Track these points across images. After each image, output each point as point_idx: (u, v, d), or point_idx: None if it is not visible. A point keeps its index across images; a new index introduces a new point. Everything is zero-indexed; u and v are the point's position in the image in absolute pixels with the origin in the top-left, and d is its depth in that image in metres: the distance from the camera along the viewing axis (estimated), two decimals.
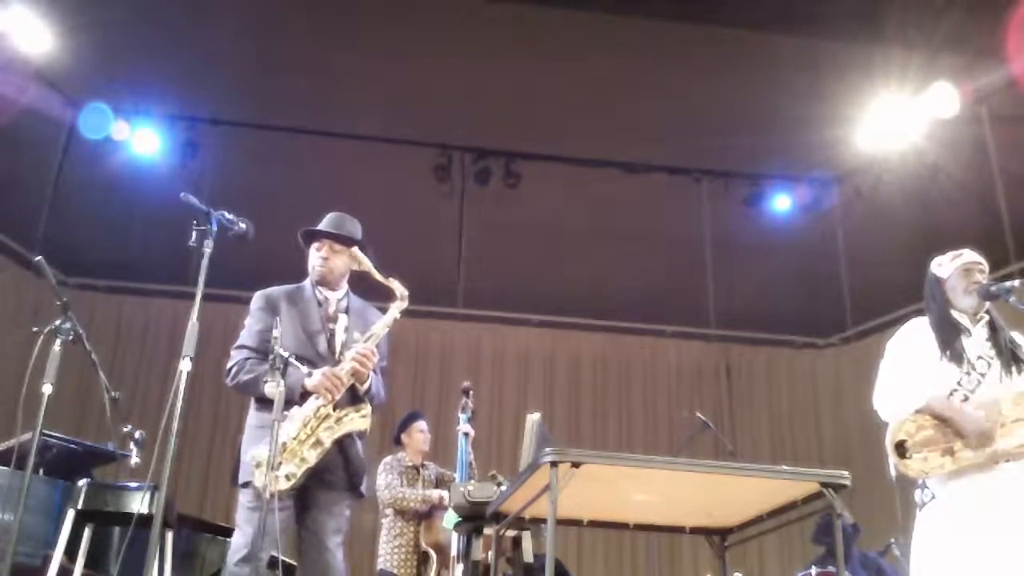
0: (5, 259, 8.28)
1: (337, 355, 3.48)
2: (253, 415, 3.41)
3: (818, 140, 7.82)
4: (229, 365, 3.43)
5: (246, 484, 3.26)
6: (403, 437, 5.63)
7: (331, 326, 3.55)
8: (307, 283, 3.64)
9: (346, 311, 3.62)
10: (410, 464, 5.51)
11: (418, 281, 10.06)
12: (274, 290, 3.59)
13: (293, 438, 3.21)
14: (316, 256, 3.61)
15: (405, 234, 8.63)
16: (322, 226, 3.63)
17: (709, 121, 7.74)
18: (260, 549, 3.07)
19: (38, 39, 6.95)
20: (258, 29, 7.18)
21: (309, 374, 3.30)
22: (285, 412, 3.19)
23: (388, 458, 5.53)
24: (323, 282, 3.60)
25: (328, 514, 3.38)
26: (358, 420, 3.37)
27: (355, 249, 3.58)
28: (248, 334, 3.48)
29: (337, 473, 3.35)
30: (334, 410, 3.31)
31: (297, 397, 3.29)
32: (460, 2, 7.04)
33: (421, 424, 5.66)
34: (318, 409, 3.29)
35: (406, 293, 3.62)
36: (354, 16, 7.04)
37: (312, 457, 3.20)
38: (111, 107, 7.77)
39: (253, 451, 3.18)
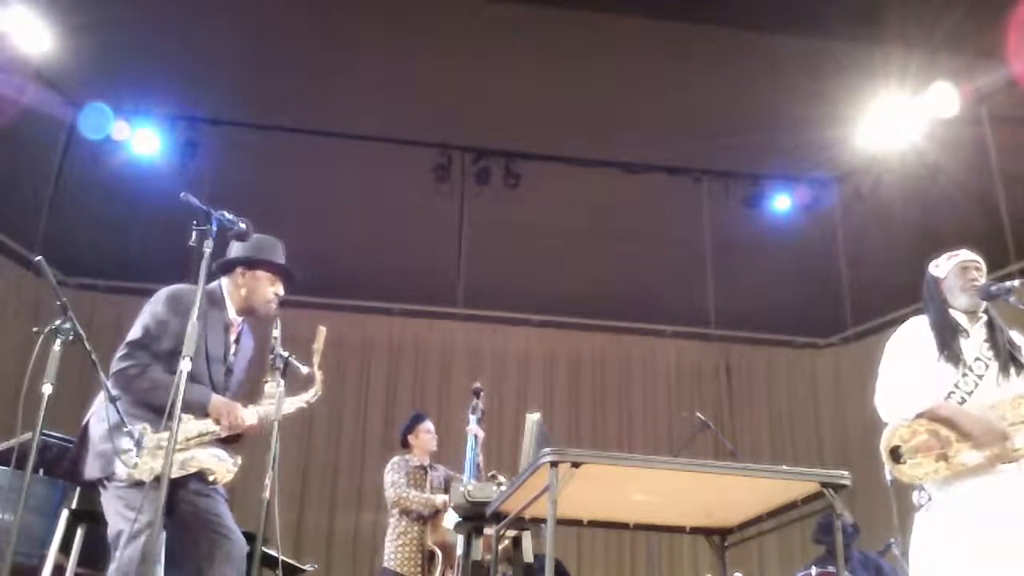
0: (5, 259, 8.28)
1: (227, 391, 3.36)
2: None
3: (818, 140, 7.82)
4: (126, 364, 3.15)
5: (110, 476, 3.04)
6: (410, 438, 5.63)
7: (231, 359, 3.40)
8: (217, 295, 3.40)
9: (237, 341, 3.47)
10: (417, 464, 5.51)
11: (418, 281, 10.10)
12: (188, 291, 3.25)
13: (186, 439, 3.11)
14: (269, 291, 3.43)
15: (405, 234, 8.65)
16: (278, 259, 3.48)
17: (709, 121, 7.74)
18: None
19: (38, 39, 6.94)
20: (258, 29, 7.17)
21: None
22: (182, 416, 3.02)
23: (396, 458, 5.54)
24: (252, 314, 3.45)
25: (223, 504, 3.26)
26: (230, 469, 3.21)
27: (323, 329, 3.41)
28: (152, 333, 3.20)
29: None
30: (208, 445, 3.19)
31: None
32: (460, 2, 7.03)
33: (427, 425, 5.67)
34: (205, 431, 3.17)
35: (320, 393, 3.45)
36: (354, 16, 7.03)
37: (175, 471, 3.01)
38: (111, 107, 7.76)
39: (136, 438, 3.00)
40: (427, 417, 5.79)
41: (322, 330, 3.42)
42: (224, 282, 3.45)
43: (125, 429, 2.97)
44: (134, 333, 3.20)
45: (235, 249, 3.47)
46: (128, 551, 2.95)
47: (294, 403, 3.43)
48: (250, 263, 3.44)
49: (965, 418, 3.01)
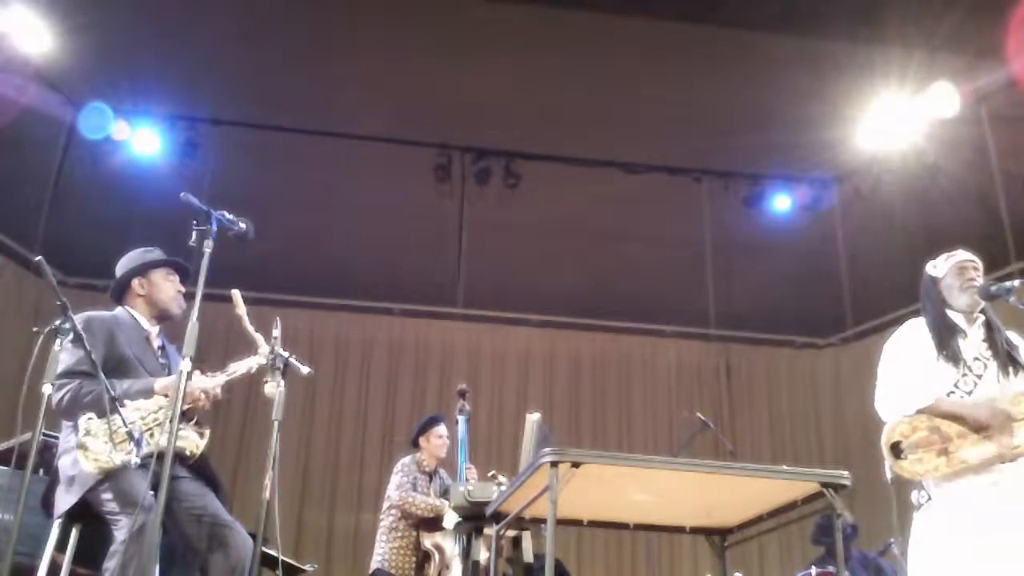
0: (5, 259, 8.28)
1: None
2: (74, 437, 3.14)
3: (818, 140, 7.82)
4: (60, 395, 3.15)
5: (95, 487, 3.05)
6: (421, 440, 5.57)
7: (162, 361, 3.45)
8: (126, 317, 3.45)
9: (162, 348, 3.52)
10: (427, 469, 5.48)
11: (418, 281, 10.10)
12: (97, 316, 3.36)
13: (141, 419, 3.11)
14: (171, 287, 3.50)
15: (405, 234, 8.65)
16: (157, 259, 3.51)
17: (709, 121, 7.73)
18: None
19: (38, 39, 6.94)
20: (258, 29, 7.17)
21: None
22: (126, 403, 3.11)
23: (406, 459, 5.48)
24: (167, 318, 3.50)
25: (213, 497, 3.30)
26: (199, 441, 3.22)
27: (237, 291, 3.39)
28: (70, 362, 3.20)
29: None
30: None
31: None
32: (460, 2, 7.03)
33: (440, 429, 5.57)
34: (158, 407, 3.18)
35: (267, 350, 3.39)
36: (354, 16, 7.03)
37: (143, 447, 3.04)
38: (111, 107, 7.76)
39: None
40: (442, 421, 5.64)
41: (235, 293, 3.39)
42: (126, 307, 3.51)
43: (124, 428, 2.98)
44: (58, 367, 3.15)
45: (118, 271, 3.55)
46: (126, 546, 2.96)
47: (247, 365, 3.40)
48: (140, 271, 3.52)
49: (970, 408, 3.02)
